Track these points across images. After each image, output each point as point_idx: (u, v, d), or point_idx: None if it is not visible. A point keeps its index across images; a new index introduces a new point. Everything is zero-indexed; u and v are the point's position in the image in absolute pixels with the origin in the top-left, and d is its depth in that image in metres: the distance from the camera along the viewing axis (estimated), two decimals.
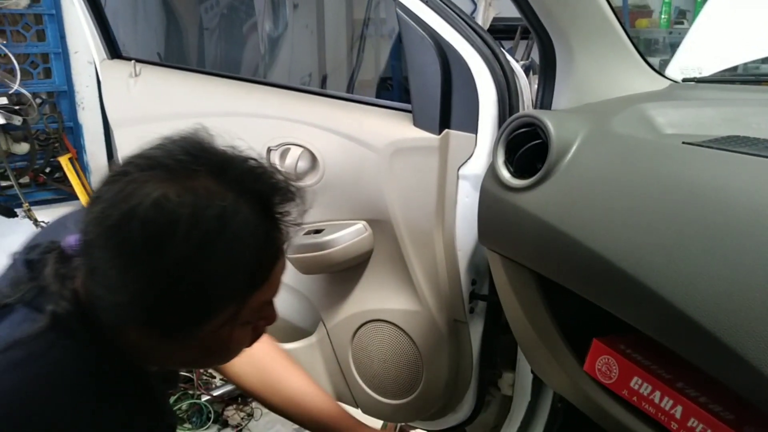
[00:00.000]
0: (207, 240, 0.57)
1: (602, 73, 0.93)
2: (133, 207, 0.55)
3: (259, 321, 0.72)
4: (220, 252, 0.58)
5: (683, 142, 0.71)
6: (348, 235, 1.17)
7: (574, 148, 0.76)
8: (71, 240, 0.67)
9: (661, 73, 1.03)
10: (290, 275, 1.34)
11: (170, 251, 0.56)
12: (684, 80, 1.04)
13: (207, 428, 2.04)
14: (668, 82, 1.02)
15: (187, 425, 2.04)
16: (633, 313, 0.67)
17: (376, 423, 2.09)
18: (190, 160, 0.60)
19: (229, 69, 2.20)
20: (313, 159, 1.20)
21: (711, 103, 0.89)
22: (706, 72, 1.10)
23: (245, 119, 1.29)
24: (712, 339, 0.58)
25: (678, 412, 0.71)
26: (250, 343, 0.73)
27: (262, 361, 1.04)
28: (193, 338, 0.64)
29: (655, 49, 3.11)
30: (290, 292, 1.36)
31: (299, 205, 0.68)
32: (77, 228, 0.62)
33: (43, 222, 2.34)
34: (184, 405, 2.06)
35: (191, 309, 0.60)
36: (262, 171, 0.65)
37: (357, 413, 1.35)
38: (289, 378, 1.04)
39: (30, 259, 0.67)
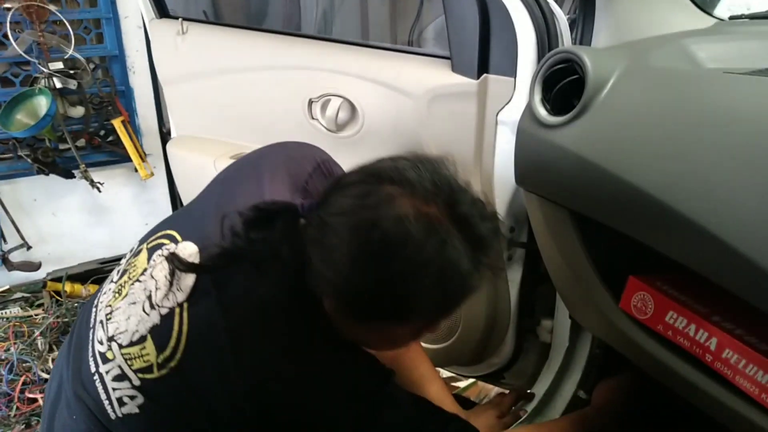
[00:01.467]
0: (425, 264, 0.64)
1: (644, 9, 0.91)
2: (380, 217, 0.63)
3: None
4: (431, 277, 0.64)
5: (725, 72, 0.69)
6: None
7: (611, 82, 0.76)
8: (303, 205, 0.72)
9: (706, 11, 1.00)
10: None
11: (395, 263, 0.63)
12: (731, 18, 1.00)
13: None
14: (714, 21, 0.99)
15: None
16: (670, 244, 0.68)
17: None
18: (433, 190, 0.66)
19: (271, 24, 2.23)
20: (353, 109, 1.22)
21: (756, 36, 0.86)
22: (755, 9, 1.05)
23: (288, 72, 1.32)
24: (750, 265, 0.58)
25: (713, 344, 0.71)
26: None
27: (408, 363, 1.06)
28: (376, 331, 0.73)
29: None
30: None
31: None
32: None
33: (99, 182, 2.45)
34: None
35: (387, 313, 0.68)
36: (483, 214, 0.69)
37: None
38: (428, 385, 1.05)
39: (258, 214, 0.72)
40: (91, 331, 0.78)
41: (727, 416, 0.70)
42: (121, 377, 0.72)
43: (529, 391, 1.20)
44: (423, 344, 1.33)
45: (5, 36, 2.16)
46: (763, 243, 0.58)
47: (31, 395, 2.00)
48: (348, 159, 1.27)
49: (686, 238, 0.65)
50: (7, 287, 2.52)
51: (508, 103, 1.04)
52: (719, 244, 0.61)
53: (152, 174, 2.57)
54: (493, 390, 2.03)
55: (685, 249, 0.67)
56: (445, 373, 2.14)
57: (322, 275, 0.67)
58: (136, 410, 0.71)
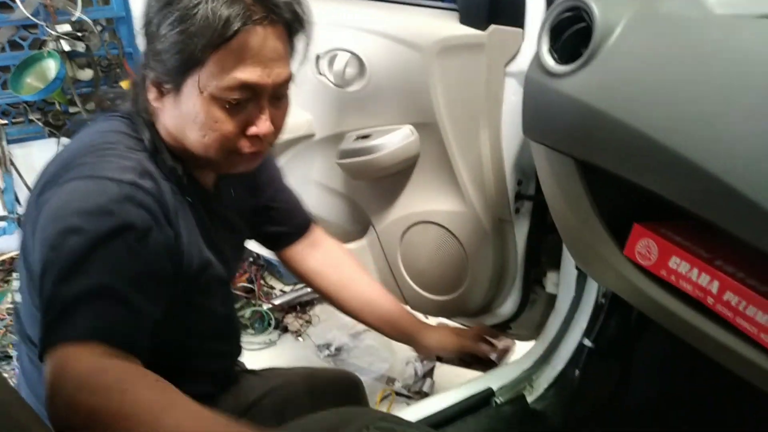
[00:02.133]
0: None
1: None
2: None
3: (247, 121, 0.75)
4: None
5: (734, 17, 0.69)
6: (395, 139, 1.20)
7: (618, 29, 0.75)
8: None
9: None
10: (341, 182, 1.40)
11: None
12: None
13: (269, 333, 2.19)
14: None
15: (250, 331, 2.19)
16: (675, 188, 0.68)
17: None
18: None
19: None
20: (360, 64, 1.22)
21: None
22: None
23: None
24: (753, 207, 0.59)
25: (714, 287, 0.72)
26: (237, 140, 0.75)
27: (339, 261, 1.12)
28: (176, 100, 0.73)
29: None
30: (341, 198, 1.41)
31: None
32: None
33: None
34: (247, 312, 2.21)
35: (172, 52, 0.70)
36: None
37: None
38: (362, 279, 1.11)
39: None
40: None
41: (728, 357, 0.72)
42: None
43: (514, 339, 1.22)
44: (428, 295, 1.36)
45: None
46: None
47: None
48: (356, 114, 1.28)
49: (691, 182, 0.66)
50: None
51: (516, 54, 1.04)
52: (724, 186, 0.61)
53: None
54: (501, 342, 2.08)
55: (690, 193, 0.68)
56: (454, 326, 2.19)
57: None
58: None
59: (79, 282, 0.62)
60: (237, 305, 2.22)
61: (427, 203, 1.26)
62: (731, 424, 1.17)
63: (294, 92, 1.36)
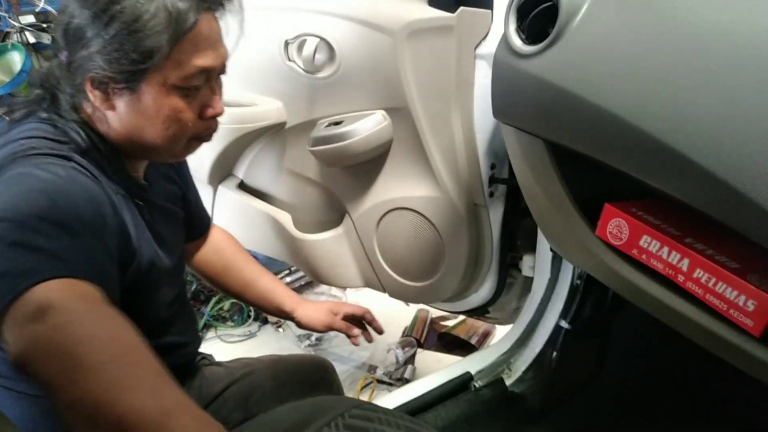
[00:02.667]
0: None
1: None
2: None
3: (203, 105, 0.75)
4: None
5: None
6: (367, 125, 1.19)
7: (584, 7, 0.74)
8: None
9: None
10: (314, 170, 1.38)
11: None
12: None
13: (248, 325, 2.17)
14: None
15: (229, 323, 2.18)
16: (642, 166, 0.68)
17: (406, 306, 2.18)
18: None
19: None
20: (330, 49, 1.20)
21: None
22: None
23: (262, 13, 1.29)
24: (719, 183, 0.59)
25: (685, 264, 0.73)
26: (196, 126, 0.76)
27: (222, 246, 1.15)
28: (132, 99, 0.71)
29: None
30: (315, 186, 1.40)
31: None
32: None
33: None
34: (226, 305, 2.19)
35: (125, 53, 0.67)
36: None
37: (384, 297, 1.42)
38: (242, 260, 1.14)
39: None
40: None
41: (699, 333, 0.73)
42: None
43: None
44: (406, 282, 1.35)
45: None
46: (727, 156, 0.58)
47: None
48: (327, 101, 1.26)
49: (657, 159, 0.66)
50: None
51: (485, 36, 1.03)
52: (690, 163, 0.61)
53: None
54: (481, 327, 2.09)
55: (657, 170, 0.68)
56: (434, 312, 2.20)
57: (76, 61, 0.69)
58: None
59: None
60: (215, 298, 2.20)
61: (401, 189, 1.25)
62: (707, 399, 1.19)
63: (263, 80, 1.34)
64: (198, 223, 1.09)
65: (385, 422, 0.69)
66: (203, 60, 0.72)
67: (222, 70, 0.78)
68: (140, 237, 0.79)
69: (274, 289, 1.13)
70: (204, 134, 0.79)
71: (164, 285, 0.86)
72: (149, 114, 0.72)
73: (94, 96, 0.71)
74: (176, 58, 0.69)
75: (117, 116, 0.73)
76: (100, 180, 0.72)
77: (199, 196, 1.08)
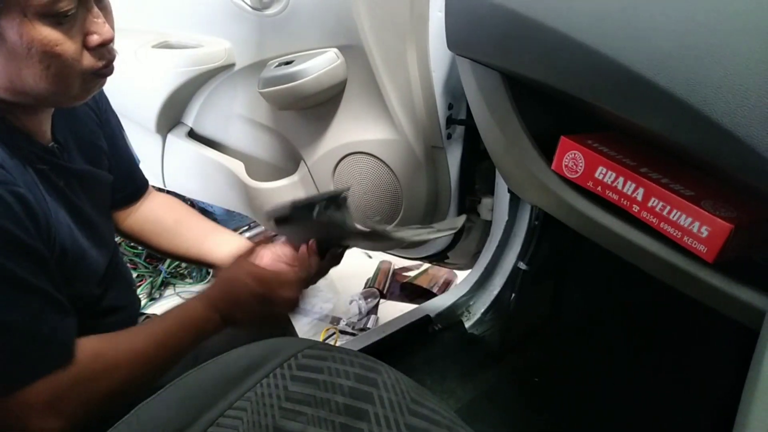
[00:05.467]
0: None
1: None
2: None
3: (85, 33, 0.65)
4: None
5: None
6: (319, 64, 1.14)
7: None
8: None
9: None
10: (266, 115, 1.32)
11: None
12: None
13: (208, 281, 2.13)
14: None
15: (188, 280, 2.13)
16: (598, 91, 0.66)
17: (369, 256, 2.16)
18: None
19: None
20: None
21: None
22: None
23: None
24: (674, 101, 0.57)
25: (640, 194, 0.72)
26: (84, 59, 0.66)
27: (160, 213, 1.02)
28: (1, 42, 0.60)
29: None
30: (268, 132, 1.35)
31: None
32: None
33: None
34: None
35: None
36: None
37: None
38: (190, 221, 1.02)
39: None
40: None
41: (653, 263, 0.72)
42: None
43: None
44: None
45: None
46: (693, 81, 0.57)
47: None
48: (277, 39, 1.20)
49: (614, 81, 0.64)
50: None
51: None
52: (649, 84, 0.59)
53: None
54: (443, 276, 2.10)
55: (614, 94, 0.66)
56: (397, 262, 2.20)
57: None
58: None
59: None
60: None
61: (357, 133, 1.21)
62: (664, 333, 1.22)
63: (208, 18, 1.26)
64: (132, 186, 0.98)
65: (339, 360, 0.67)
66: None
67: None
68: (54, 217, 0.69)
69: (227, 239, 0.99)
70: (100, 68, 0.67)
71: (89, 261, 0.77)
72: (20, 54, 0.61)
73: None
74: None
75: None
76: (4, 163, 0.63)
77: (129, 149, 0.96)
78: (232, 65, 1.27)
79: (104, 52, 0.67)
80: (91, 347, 0.69)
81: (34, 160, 0.69)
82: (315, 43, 1.14)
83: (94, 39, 0.65)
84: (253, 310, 0.82)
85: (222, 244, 0.98)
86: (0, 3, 0.57)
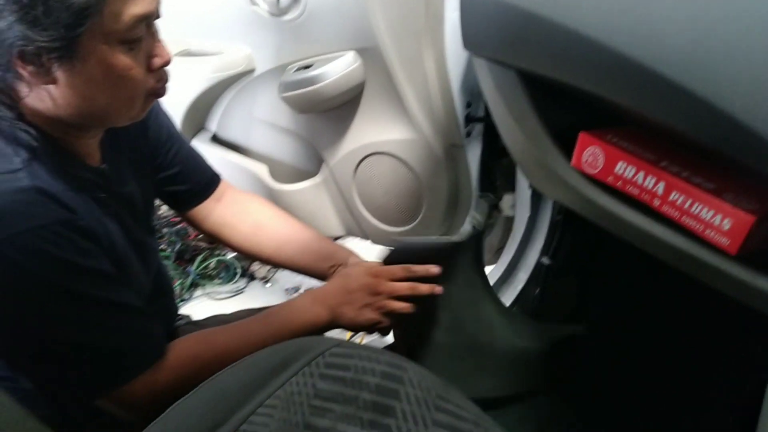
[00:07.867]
0: None
1: None
2: None
3: (149, 56, 0.69)
4: None
5: None
6: (338, 67, 1.15)
7: None
8: None
9: None
10: (287, 119, 1.35)
11: None
12: None
13: (236, 282, 2.17)
14: None
15: (216, 281, 2.17)
16: (606, 83, 0.67)
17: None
18: None
19: None
20: None
21: None
22: None
23: None
24: (690, 97, 0.57)
25: (660, 188, 0.72)
26: (147, 81, 0.69)
27: (246, 208, 1.03)
28: (74, 66, 0.62)
29: None
30: (289, 135, 1.37)
31: None
32: None
33: None
34: (213, 263, 2.18)
35: (53, 14, 0.57)
36: None
37: (367, 244, 1.41)
38: (276, 219, 1.03)
39: None
40: None
41: (675, 256, 0.72)
42: None
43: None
44: (387, 227, 1.34)
45: None
46: (701, 72, 0.57)
47: None
48: (296, 44, 1.22)
49: (628, 76, 0.64)
50: None
51: None
52: (654, 75, 0.60)
53: None
54: None
55: (630, 90, 0.66)
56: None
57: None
58: None
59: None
60: (200, 256, 2.18)
61: (377, 134, 1.23)
62: (691, 329, 1.20)
63: (229, 26, 1.29)
64: (196, 183, 0.98)
65: (365, 358, 0.69)
66: (139, 7, 0.62)
67: (158, 14, 0.69)
68: (114, 239, 0.74)
69: (318, 242, 1.00)
70: (158, 88, 0.71)
71: (141, 279, 0.82)
72: (98, 79, 0.63)
73: (28, 73, 0.61)
74: (111, 11, 0.60)
75: (61, 90, 0.63)
76: (60, 196, 0.65)
77: (194, 151, 0.98)
78: (253, 71, 1.29)
79: (163, 73, 0.71)
80: (188, 349, 0.76)
81: (90, 187, 0.72)
82: (333, 47, 1.16)
83: (157, 62, 0.69)
84: (363, 305, 0.85)
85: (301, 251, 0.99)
86: (81, 29, 0.59)
